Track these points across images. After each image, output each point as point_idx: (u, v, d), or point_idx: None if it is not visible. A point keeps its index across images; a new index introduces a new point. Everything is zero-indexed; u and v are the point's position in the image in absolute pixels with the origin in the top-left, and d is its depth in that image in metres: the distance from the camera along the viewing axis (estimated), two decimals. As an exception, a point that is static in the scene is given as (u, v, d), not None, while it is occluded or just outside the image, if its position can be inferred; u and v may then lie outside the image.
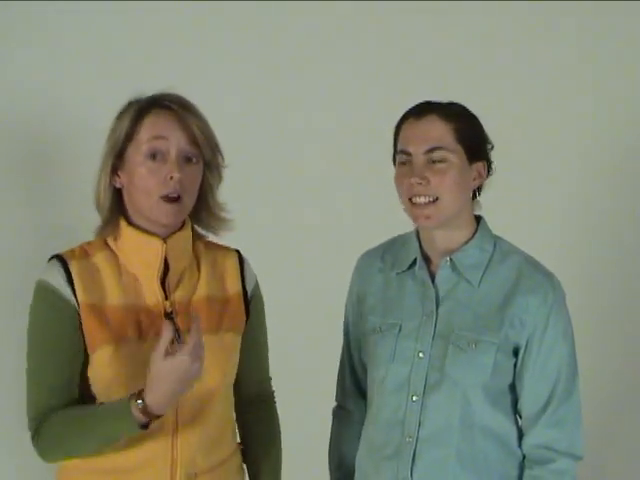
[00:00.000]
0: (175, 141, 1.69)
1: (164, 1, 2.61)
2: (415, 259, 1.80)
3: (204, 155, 1.73)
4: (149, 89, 1.75)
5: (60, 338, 1.70)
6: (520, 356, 1.73)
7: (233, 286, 1.84)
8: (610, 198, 2.85)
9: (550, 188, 2.85)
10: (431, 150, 1.70)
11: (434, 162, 1.70)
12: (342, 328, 1.98)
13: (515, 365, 1.75)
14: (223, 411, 1.81)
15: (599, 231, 2.88)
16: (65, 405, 1.70)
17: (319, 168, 2.75)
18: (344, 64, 2.75)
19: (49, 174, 2.60)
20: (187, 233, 1.78)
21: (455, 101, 1.78)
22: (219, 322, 1.79)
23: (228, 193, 1.83)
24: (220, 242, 1.89)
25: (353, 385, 1.96)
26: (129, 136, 1.71)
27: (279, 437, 1.97)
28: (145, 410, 1.59)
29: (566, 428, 1.74)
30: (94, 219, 1.76)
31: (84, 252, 1.75)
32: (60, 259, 1.72)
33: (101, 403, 1.70)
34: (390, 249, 1.89)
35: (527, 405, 1.75)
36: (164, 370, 1.56)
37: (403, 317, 1.78)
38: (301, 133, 2.73)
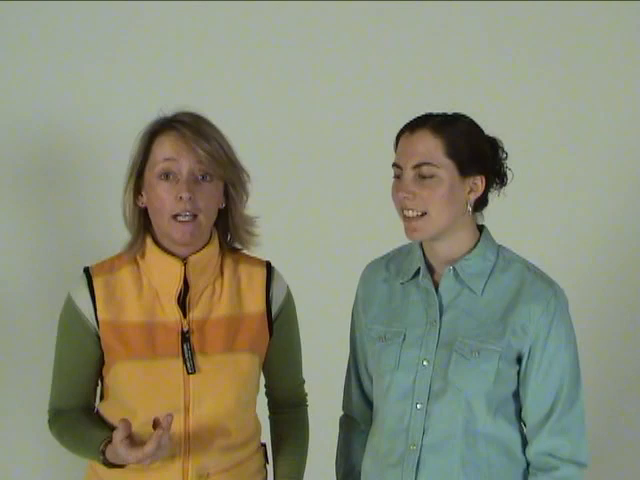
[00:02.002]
0: (185, 162, 1.73)
1: (174, 1, 2.65)
2: (419, 268, 1.81)
3: (219, 173, 1.75)
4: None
5: (76, 353, 1.81)
6: (523, 364, 1.74)
7: (256, 305, 1.85)
8: (631, 206, 2.86)
9: (572, 197, 2.87)
10: (419, 165, 1.71)
11: (423, 177, 1.71)
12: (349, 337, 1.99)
13: (519, 373, 1.75)
14: (240, 423, 1.84)
15: (618, 242, 2.88)
16: (77, 405, 1.84)
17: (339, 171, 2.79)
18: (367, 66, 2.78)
19: (84, 187, 2.71)
20: (212, 249, 1.81)
21: (460, 112, 1.78)
22: (234, 341, 1.81)
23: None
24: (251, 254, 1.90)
25: (359, 394, 1.96)
26: (144, 157, 1.76)
27: (306, 440, 1.99)
28: (107, 460, 1.72)
29: (570, 435, 1.74)
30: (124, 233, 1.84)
31: (111, 266, 1.82)
32: (87, 274, 1.80)
33: (92, 425, 1.82)
34: (395, 259, 1.90)
35: (531, 413, 1.75)
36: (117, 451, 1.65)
37: (407, 325, 1.79)
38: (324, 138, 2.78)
